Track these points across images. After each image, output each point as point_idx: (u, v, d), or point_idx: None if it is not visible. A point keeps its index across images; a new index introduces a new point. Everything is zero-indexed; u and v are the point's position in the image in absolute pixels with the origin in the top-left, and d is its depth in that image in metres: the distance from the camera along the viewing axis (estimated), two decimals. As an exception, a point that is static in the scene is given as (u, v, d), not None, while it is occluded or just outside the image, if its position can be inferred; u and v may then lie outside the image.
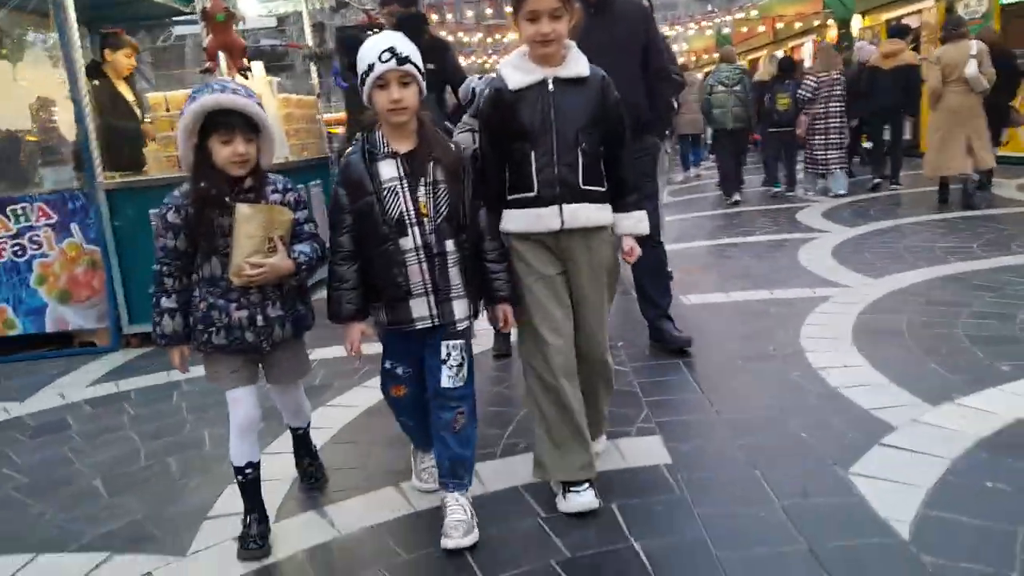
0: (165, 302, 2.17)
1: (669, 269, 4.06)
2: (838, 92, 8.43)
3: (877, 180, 8.79)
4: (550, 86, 2.22)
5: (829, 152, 8.57)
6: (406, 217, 2.15)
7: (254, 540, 2.25)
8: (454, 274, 2.21)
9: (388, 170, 2.16)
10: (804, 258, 5.60)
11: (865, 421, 2.74)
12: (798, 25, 17.75)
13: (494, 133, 2.30)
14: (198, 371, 2.37)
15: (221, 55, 5.11)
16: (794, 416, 2.84)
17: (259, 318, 2.18)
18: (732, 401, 3.07)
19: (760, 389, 3.18)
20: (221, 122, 2.09)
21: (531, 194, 2.25)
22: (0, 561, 2.37)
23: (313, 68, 7.45)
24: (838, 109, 8.44)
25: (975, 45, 6.84)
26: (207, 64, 5.13)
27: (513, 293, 2.30)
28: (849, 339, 3.65)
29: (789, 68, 9.46)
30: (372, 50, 2.11)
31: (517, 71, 2.26)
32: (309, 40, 7.33)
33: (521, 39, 2.27)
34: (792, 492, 2.29)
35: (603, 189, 2.31)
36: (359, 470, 2.77)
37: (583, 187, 2.25)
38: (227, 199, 2.12)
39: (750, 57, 19.96)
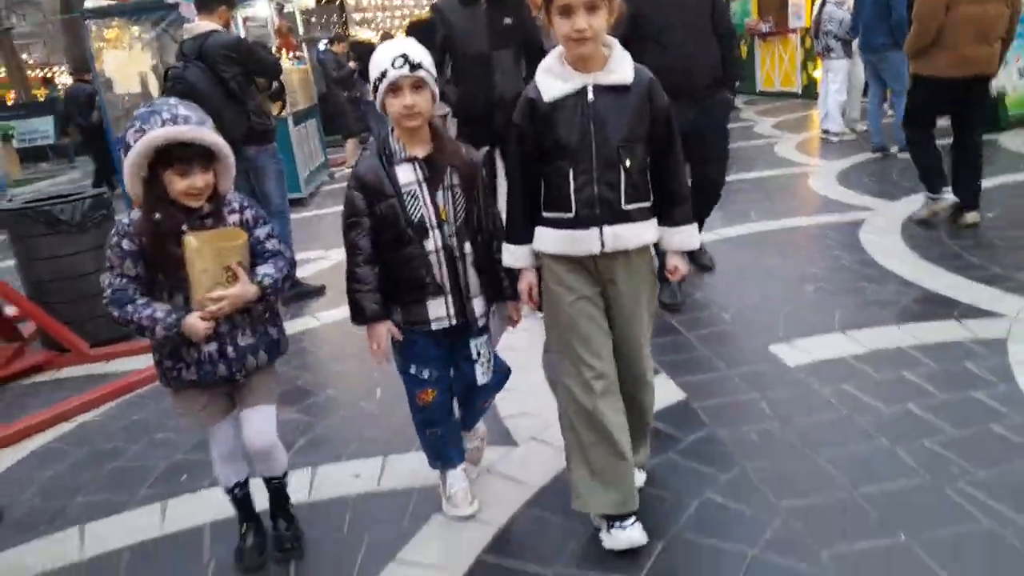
0: (140, 311, 1.96)
1: None
2: None
3: None
4: (590, 95, 2.00)
5: None
6: (427, 220, 2.16)
7: (254, 550, 2.31)
8: (472, 274, 2.26)
9: (406, 174, 2.16)
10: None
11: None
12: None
13: (527, 147, 2.10)
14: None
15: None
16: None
17: (229, 349, 2.06)
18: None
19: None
20: (176, 155, 1.90)
21: (569, 215, 2.06)
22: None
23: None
24: None
25: None
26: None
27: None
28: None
29: None
30: (385, 57, 2.07)
31: (553, 77, 2.04)
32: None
33: (555, 38, 2.02)
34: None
35: (648, 204, 2.12)
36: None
37: (624, 207, 2.05)
38: (184, 228, 1.94)
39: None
